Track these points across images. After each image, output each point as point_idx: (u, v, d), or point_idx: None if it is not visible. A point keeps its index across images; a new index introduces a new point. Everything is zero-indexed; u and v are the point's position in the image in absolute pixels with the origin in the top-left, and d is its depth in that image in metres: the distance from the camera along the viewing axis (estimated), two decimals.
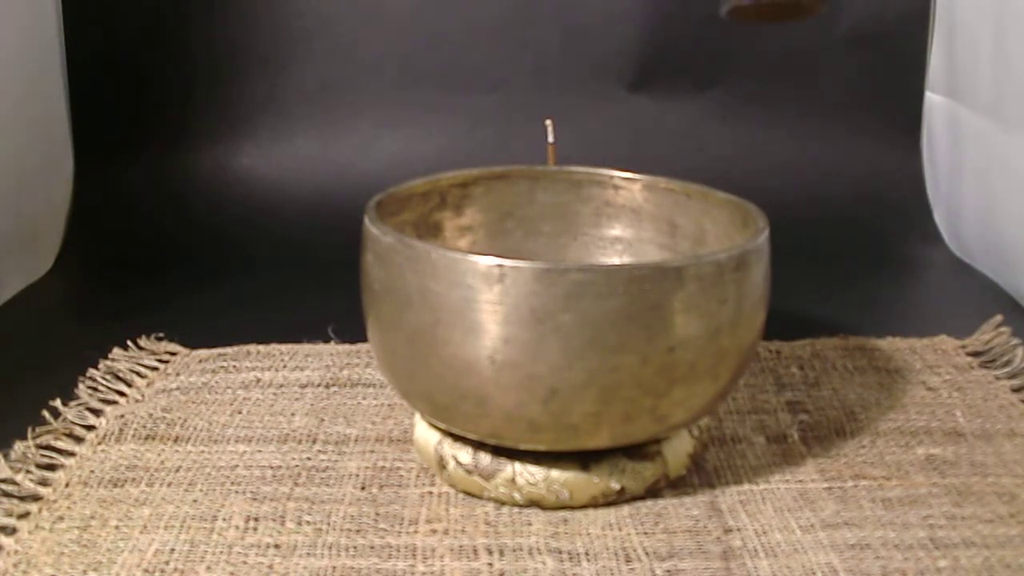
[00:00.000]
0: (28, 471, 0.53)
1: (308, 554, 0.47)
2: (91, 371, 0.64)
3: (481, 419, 0.48)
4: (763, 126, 1.00)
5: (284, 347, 0.68)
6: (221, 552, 0.47)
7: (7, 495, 0.51)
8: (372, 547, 0.47)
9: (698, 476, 0.53)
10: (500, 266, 0.45)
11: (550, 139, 0.69)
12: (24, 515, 0.49)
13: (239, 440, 0.57)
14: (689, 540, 0.48)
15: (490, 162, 0.64)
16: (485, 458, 0.51)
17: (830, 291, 0.81)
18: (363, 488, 0.52)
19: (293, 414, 0.60)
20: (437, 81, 1.01)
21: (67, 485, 0.52)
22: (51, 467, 0.54)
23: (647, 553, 0.47)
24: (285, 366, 0.66)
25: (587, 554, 0.47)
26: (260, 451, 0.56)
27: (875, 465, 0.54)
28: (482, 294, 0.45)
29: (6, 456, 0.54)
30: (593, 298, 0.45)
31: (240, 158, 1.01)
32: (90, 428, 0.58)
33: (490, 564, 0.46)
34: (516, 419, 0.47)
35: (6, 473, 0.52)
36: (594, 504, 0.50)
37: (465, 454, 0.51)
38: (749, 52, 1.00)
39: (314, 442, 0.57)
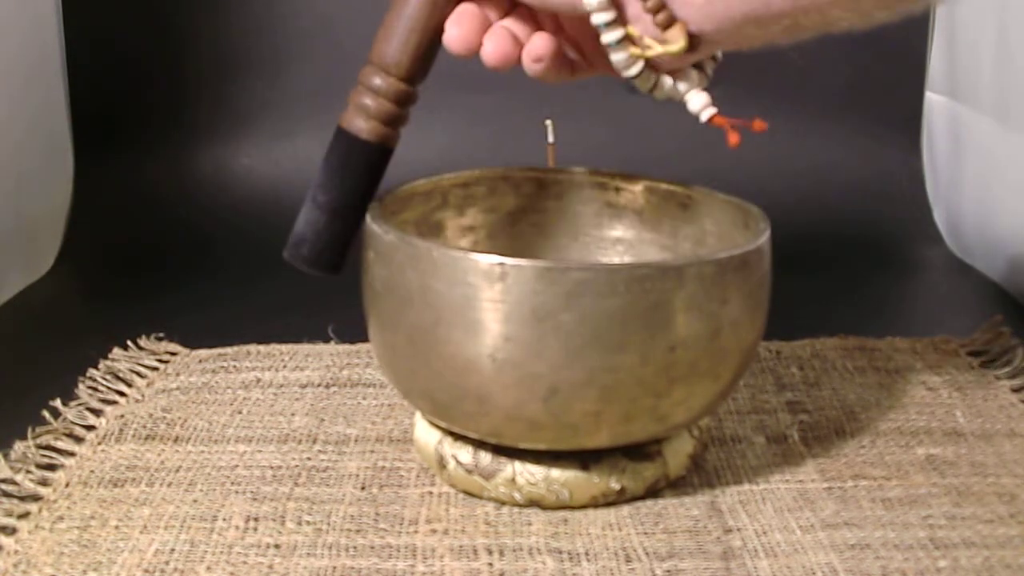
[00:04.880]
0: (28, 471, 0.53)
1: (308, 554, 0.47)
2: (91, 371, 0.64)
3: (481, 418, 0.48)
4: None
5: (284, 347, 0.68)
6: (221, 552, 0.47)
7: (7, 495, 0.51)
8: (372, 547, 0.47)
9: (698, 476, 0.53)
10: (501, 264, 0.45)
11: (550, 139, 0.69)
12: (24, 515, 0.49)
13: (239, 440, 0.57)
14: (689, 540, 0.48)
15: (490, 162, 0.63)
16: (485, 458, 0.51)
17: (830, 291, 0.81)
18: (363, 488, 0.52)
19: (293, 414, 0.60)
20: (437, 81, 1.01)
21: (67, 485, 0.52)
22: (51, 467, 0.54)
23: (647, 553, 0.47)
24: (285, 366, 0.66)
25: (587, 554, 0.47)
26: (260, 451, 0.56)
27: (875, 465, 0.54)
28: (483, 292, 0.45)
29: (6, 456, 0.54)
30: (594, 297, 0.45)
31: (240, 158, 1.01)
32: (90, 428, 0.58)
33: (490, 564, 0.46)
34: (516, 418, 0.47)
35: (6, 473, 0.52)
36: (594, 504, 0.50)
37: (465, 454, 0.51)
38: (749, 52, 0.99)
39: (314, 442, 0.57)
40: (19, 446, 0.55)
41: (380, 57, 0.50)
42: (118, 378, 0.64)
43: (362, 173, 0.52)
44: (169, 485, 0.52)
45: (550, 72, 0.49)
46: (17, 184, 0.82)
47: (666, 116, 1.01)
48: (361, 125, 0.51)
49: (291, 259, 0.52)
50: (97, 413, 0.60)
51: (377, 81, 0.51)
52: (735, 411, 0.60)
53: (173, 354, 0.68)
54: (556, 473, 0.50)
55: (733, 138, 0.48)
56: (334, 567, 0.46)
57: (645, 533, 0.48)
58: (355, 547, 0.47)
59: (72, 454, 0.55)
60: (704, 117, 0.49)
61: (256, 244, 0.91)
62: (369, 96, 0.51)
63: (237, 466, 0.54)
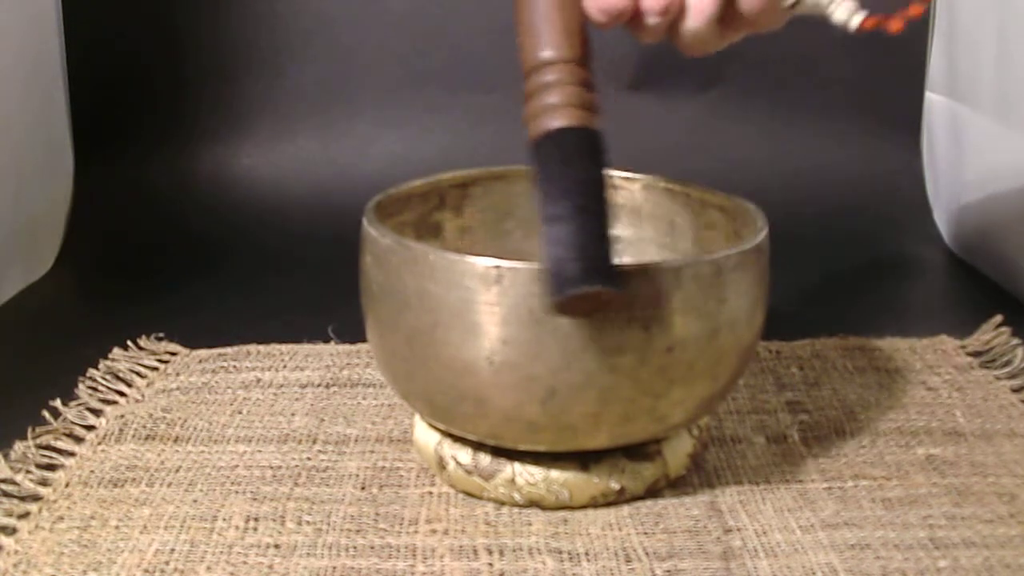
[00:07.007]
0: (28, 471, 0.53)
1: (308, 554, 0.47)
2: (91, 371, 0.64)
3: (480, 420, 0.48)
4: (763, 126, 1.00)
5: (284, 347, 0.68)
6: (221, 552, 0.47)
7: (7, 495, 0.51)
8: (372, 547, 0.47)
9: (698, 476, 0.53)
10: (498, 267, 0.45)
11: None
12: (24, 515, 0.49)
13: (239, 440, 0.57)
14: (689, 540, 0.48)
15: (490, 162, 0.63)
16: (485, 458, 0.51)
17: (830, 291, 0.81)
18: (363, 488, 0.52)
19: (293, 414, 0.60)
20: (437, 81, 1.01)
21: (67, 485, 0.52)
22: (51, 467, 0.54)
23: (647, 553, 0.47)
24: (285, 366, 0.66)
25: (587, 554, 0.47)
26: (260, 451, 0.56)
27: (875, 465, 0.54)
28: (480, 295, 0.45)
29: (6, 456, 0.54)
30: None
31: (240, 158, 1.01)
32: (90, 428, 0.58)
33: (490, 564, 0.46)
34: (515, 420, 0.47)
35: (6, 473, 0.52)
36: (594, 504, 0.50)
37: (465, 454, 0.51)
38: (749, 52, 0.99)
39: (314, 442, 0.57)
40: (19, 446, 0.55)
41: (534, 56, 0.46)
42: (118, 378, 0.64)
43: (580, 163, 0.45)
44: (169, 485, 0.52)
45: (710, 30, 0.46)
46: (17, 184, 0.82)
47: (665, 115, 1.01)
48: (556, 120, 0.45)
49: (561, 292, 0.43)
50: (97, 413, 0.60)
51: (548, 77, 0.45)
52: (735, 411, 0.60)
53: (173, 354, 0.68)
54: (556, 474, 0.50)
55: (895, 24, 0.45)
56: (334, 567, 0.46)
57: (645, 533, 0.48)
58: (355, 547, 0.47)
59: (72, 454, 0.55)
60: (854, 25, 0.45)
61: (256, 244, 0.92)
62: (547, 95, 0.45)
63: (237, 466, 0.54)
